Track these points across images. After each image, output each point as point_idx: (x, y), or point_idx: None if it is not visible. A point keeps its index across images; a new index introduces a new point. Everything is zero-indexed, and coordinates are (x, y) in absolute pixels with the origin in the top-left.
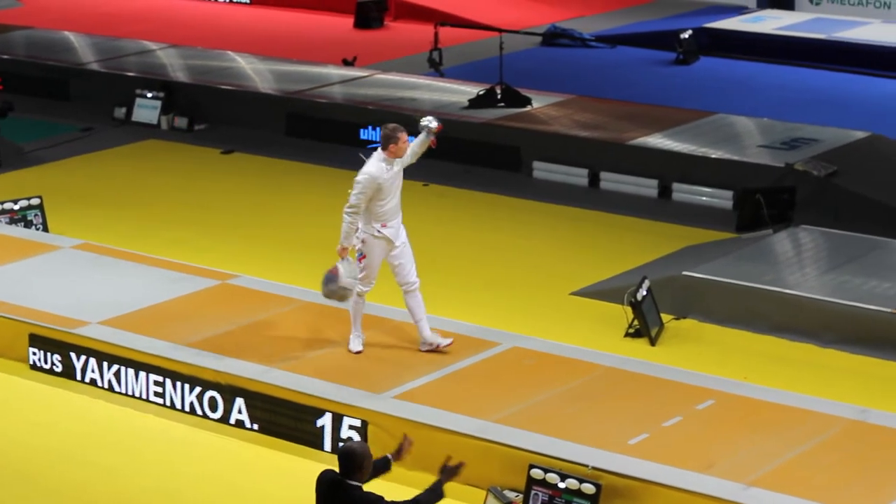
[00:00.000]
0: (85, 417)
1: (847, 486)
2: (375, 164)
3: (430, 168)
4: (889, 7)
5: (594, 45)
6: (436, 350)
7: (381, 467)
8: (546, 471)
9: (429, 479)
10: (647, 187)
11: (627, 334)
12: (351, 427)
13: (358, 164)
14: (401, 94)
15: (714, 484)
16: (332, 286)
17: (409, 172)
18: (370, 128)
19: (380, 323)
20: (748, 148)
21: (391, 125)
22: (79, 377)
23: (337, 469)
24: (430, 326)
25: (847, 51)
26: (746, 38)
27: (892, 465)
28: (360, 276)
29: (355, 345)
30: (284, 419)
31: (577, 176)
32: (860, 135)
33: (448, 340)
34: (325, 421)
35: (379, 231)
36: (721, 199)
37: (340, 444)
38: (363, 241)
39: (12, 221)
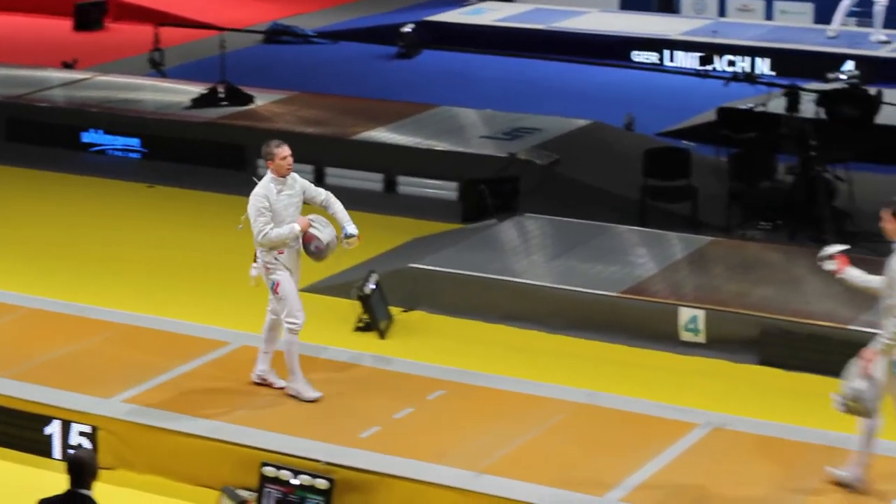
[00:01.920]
0: None
1: (577, 468)
2: (263, 184)
3: (155, 169)
4: None
5: (316, 42)
6: (266, 384)
7: None
8: (279, 468)
9: (162, 483)
10: (372, 181)
11: (357, 328)
12: (81, 433)
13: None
14: (123, 95)
15: (446, 473)
16: (323, 248)
17: (133, 174)
18: (92, 131)
19: (104, 327)
20: (471, 139)
21: (271, 141)
22: None
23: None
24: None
25: (566, 41)
26: (467, 31)
27: (620, 446)
28: (282, 313)
29: (308, 392)
30: (11, 428)
31: (303, 172)
32: (581, 123)
33: (282, 383)
34: (54, 428)
35: (276, 258)
36: (446, 190)
37: (70, 450)
38: (267, 269)
39: None
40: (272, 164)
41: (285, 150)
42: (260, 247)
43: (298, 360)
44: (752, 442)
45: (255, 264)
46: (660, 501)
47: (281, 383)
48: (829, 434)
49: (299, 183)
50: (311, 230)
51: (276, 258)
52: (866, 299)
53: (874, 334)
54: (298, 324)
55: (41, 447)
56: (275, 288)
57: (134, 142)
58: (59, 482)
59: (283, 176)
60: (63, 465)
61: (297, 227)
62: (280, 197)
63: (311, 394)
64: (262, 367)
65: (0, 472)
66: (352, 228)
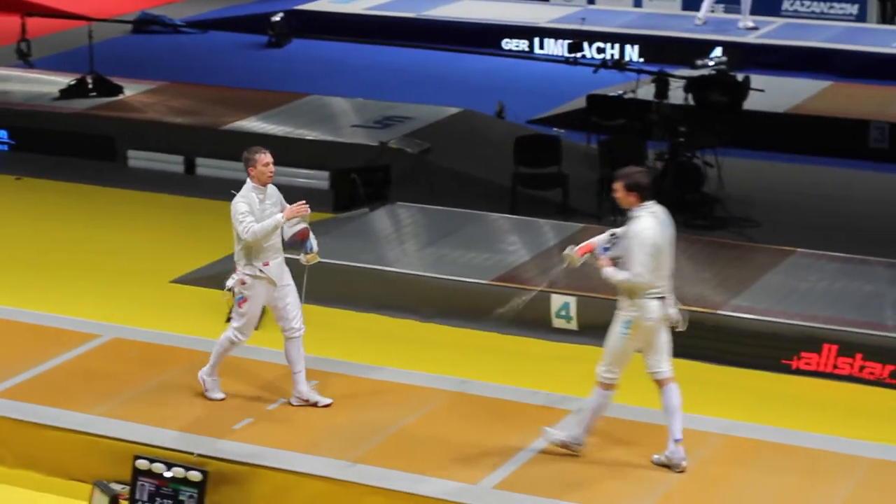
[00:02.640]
0: None
1: (451, 455)
2: (244, 193)
3: (22, 161)
4: None
5: (186, 31)
6: (310, 405)
7: None
8: (151, 461)
9: (34, 477)
10: (243, 172)
11: (229, 319)
12: None
13: None
14: None
15: (319, 463)
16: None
17: (0, 166)
18: None
19: None
20: (343, 128)
21: (252, 147)
22: None
23: None
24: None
25: (436, 29)
26: (337, 19)
27: (492, 433)
28: (236, 323)
29: (215, 392)
30: None
31: (173, 163)
32: (452, 111)
33: (328, 401)
34: None
35: (261, 270)
36: (317, 179)
37: None
38: (242, 283)
39: None
40: (253, 171)
41: (267, 157)
42: (244, 250)
43: (220, 361)
44: (624, 427)
45: (233, 275)
46: (533, 488)
47: (325, 401)
48: (699, 418)
49: (276, 191)
50: (303, 224)
51: (260, 270)
52: (735, 284)
53: (743, 319)
54: (242, 339)
55: None
56: (240, 303)
57: (1, 134)
58: None
59: (265, 184)
60: None
61: (280, 217)
62: (262, 206)
63: (217, 394)
64: (300, 388)
65: None
66: (315, 244)
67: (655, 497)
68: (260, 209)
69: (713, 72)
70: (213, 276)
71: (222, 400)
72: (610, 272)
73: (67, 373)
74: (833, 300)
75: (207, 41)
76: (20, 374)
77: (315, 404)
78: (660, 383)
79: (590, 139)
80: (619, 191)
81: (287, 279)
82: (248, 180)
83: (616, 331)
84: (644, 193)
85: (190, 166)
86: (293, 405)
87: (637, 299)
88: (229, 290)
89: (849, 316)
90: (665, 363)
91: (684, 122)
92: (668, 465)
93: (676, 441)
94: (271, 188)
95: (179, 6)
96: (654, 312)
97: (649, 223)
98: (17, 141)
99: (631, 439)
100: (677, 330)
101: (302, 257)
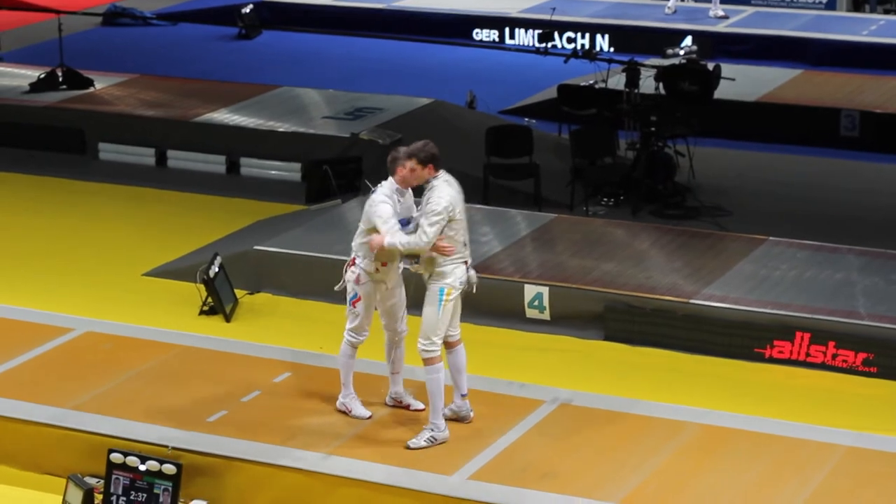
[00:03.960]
0: None
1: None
2: (388, 192)
3: None
4: None
5: (156, 23)
6: (403, 407)
7: None
8: (126, 454)
9: (8, 471)
10: (215, 164)
11: (202, 312)
12: None
13: None
14: None
15: (295, 455)
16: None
17: None
18: None
19: None
20: (314, 120)
21: (398, 148)
22: None
23: None
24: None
25: (407, 19)
26: (307, 10)
27: (468, 424)
28: (351, 325)
29: (359, 410)
30: None
31: (144, 155)
32: (423, 101)
33: (420, 405)
34: None
35: (379, 269)
36: (289, 171)
37: None
38: (357, 281)
39: None
40: (402, 172)
41: (413, 162)
42: (402, 251)
43: (352, 375)
44: (599, 417)
45: (352, 268)
46: (509, 478)
47: (419, 405)
48: (672, 407)
49: (411, 196)
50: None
51: (378, 269)
52: (708, 273)
53: (716, 308)
54: (360, 339)
55: None
56: (354, 302)
57: None
58: None
59: (407, 187)
60: None
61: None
62: (399, 209)
63: (362, 412)
64: (394, 389)
65: None
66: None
67: (631, 485)
68: (399, 208)
69: (684, 61)
70: (187, 269)
71: (369, 418)
72: (397, 239)
73: (40, 367)
74: (805, 288)
75: (177, 33)
76: None
77: (407, 407)
78: (451, 345)
79: (561, 129)
80: (414, 169)
81: (399, 281)
82: (391, 179)
83: (434, 303)
84: (438, 163)
85: (161, 158)
86: (387, 405)
87: (442, 268)
88: (343, 285)
89: (821, 304)
90: (458, 326)
91: (655, 112)
92: (457, 419)
93: (463, 396)
94: (409, 192)
95: None
96: (463, 276)
97: (446, 191)
98: None
99: (603, 429)
100: (473, 293)
101: (412, 265)
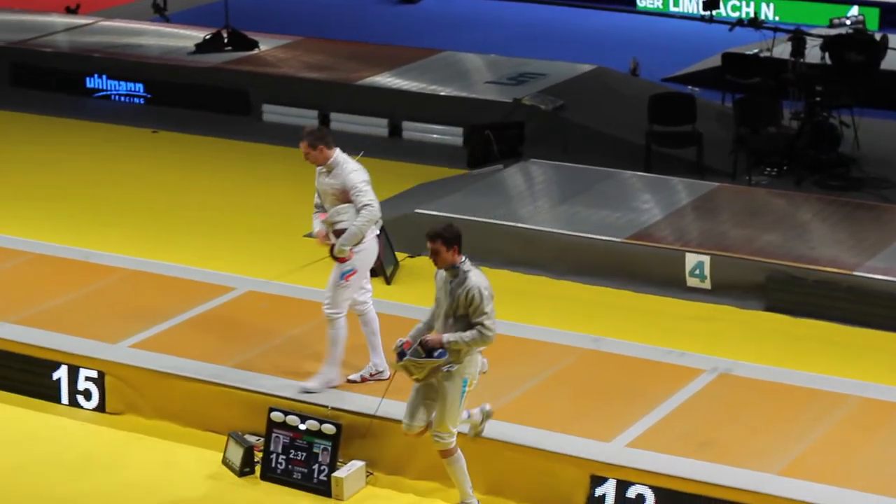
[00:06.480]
0: None
1: (584, 413)
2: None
3: (158, 115)
4: None
5: None
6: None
7: None
8: (286, 413)
9: (171, 428)
10: (377, 126)
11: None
12: (87, 378)
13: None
14: (126, 40)
15: None
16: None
17: (137, 119)
18: (96, 76)
19: (109, 272)
20: (476, 84)
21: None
22: None
23: None
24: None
25: None
26: None
27: (625, 391)
28: (331, 299)
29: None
30: (19, 373)
31: (308, 118)
32: (586, 68)
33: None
34: (61, 374)
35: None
36: (451, 136)
37: (78, 395)
38: (351, 252)
39: None
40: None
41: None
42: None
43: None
44: (759, 388)
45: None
46: (666, 447)
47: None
48: (833, 380)
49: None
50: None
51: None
52: (871, 245)
53: (879, 280)
54: (340, 312)
55: (49, 392)
56: (347, 276)
57: (138, 87)
58: (66, 427)
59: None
60: (69, 410)
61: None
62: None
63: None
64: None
65: (8, 417)
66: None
67: (790, 457)
68: None
69: (850, 31)
70: None
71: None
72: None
73: (203, 325)
74: None
75: None
76: (156, 325)
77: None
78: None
79: (725, 97)
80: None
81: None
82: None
83: (456, 394)
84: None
85: (324, 120)
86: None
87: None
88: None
89: None
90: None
91: (820, 82)
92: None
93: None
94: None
95: None
96: (479, 364)
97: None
98: (153, 94)
99: (762, 399)
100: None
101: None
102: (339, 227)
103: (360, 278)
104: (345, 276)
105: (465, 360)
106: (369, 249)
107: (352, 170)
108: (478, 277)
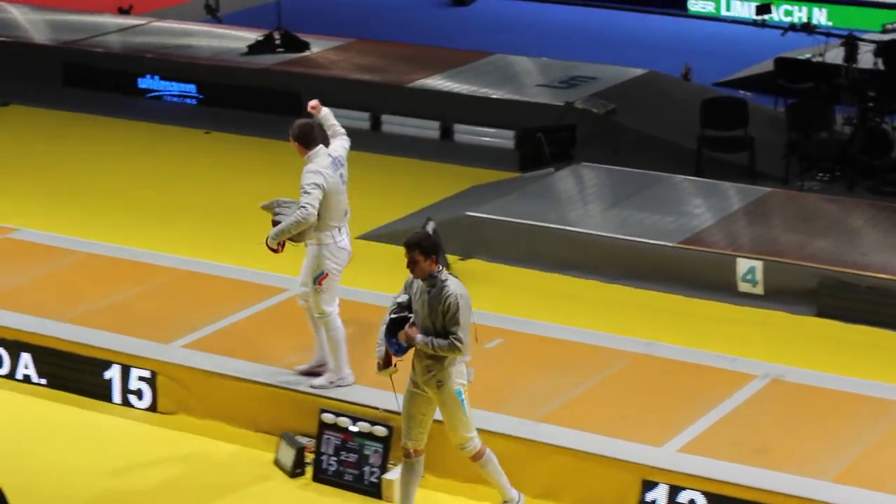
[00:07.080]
0: None
1: (635, 417)
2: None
3: (210, 116)
4: None
5: None
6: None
7: None
8: (337, 415)
9: (221, 428)
10: (428, 129)
11: None
12: (140, 378)
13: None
14: (178, 41)
15: (505, 421)
16: None
17: (189, 120)
18: (149, 77)
19: (161, 272)
20: (528, 87)
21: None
22: None
23: None
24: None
25: None
26: None
27: (678, 396)
28: (315, 303)
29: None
30: (72, 372)
31: (359, 119)
32: (637, 72)
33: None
34: (114, 373)
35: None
36: (502, 138)
37: (129, 395)
38: (324, 256)
39: None
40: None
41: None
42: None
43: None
44: (810, 394)
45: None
46: (717, 452)
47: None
48: (885, 386)
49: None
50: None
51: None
52: None
53: None
54: (328, 312)
55: (101, 391)
56: (319, 280)
57: (190, 88)
58: (118, 426)
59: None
60: (121, 410)
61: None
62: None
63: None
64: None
65: (60, 415)
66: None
67: (844, 463)
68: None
69: None
70: (400, 232)
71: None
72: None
73: (255, 326)
74: None
75: None
76: (209, 325)
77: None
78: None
79: (777, 102)
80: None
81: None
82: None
83: (457, 406)
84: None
85: (375, 123)
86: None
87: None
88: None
89: None
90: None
91: (873, 87)
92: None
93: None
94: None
95: None
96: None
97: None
98: (206, 95)
99: (814, 405)
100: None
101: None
102: (275, 218)
103: (334, 280)
104: (317, 280)
105: (450, 370)
106: (341, 253)
107: (308, 170)
108: (456, 286)
